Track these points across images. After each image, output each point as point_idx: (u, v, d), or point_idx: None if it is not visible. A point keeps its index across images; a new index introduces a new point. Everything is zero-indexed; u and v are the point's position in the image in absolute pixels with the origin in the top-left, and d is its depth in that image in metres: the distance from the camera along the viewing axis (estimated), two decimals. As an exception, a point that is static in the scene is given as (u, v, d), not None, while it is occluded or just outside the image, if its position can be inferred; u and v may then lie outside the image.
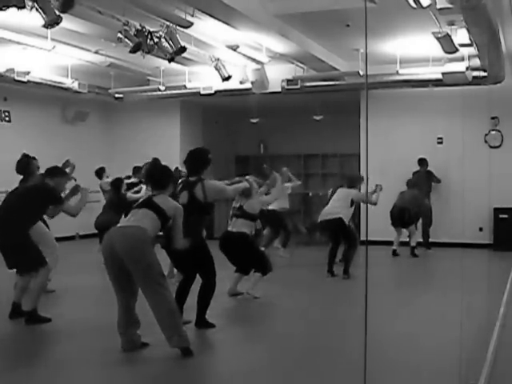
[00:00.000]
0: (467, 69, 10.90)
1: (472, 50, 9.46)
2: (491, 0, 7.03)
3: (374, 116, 12.34)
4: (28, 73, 11.32)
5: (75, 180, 8.19)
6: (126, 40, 8.65)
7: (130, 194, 9.60)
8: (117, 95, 13.73)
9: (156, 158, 9.24)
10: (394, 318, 6.42)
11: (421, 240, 11.94)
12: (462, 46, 9.10)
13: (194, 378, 4.59)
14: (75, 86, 12.31)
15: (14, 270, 6.28)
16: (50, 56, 10.49)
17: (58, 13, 7.25)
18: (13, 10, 6.74)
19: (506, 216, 12.14)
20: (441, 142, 12.86)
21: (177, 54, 9.17)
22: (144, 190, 8.99)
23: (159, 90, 13.16)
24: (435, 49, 9.57)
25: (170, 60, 9.51)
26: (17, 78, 11.16)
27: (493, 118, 12.35)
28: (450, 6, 6.90)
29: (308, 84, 12.30)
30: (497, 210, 12.21)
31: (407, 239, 11.41)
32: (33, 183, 6.68)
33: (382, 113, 12.50)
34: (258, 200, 7.34)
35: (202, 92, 12.84)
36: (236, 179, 6.79)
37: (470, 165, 11.98)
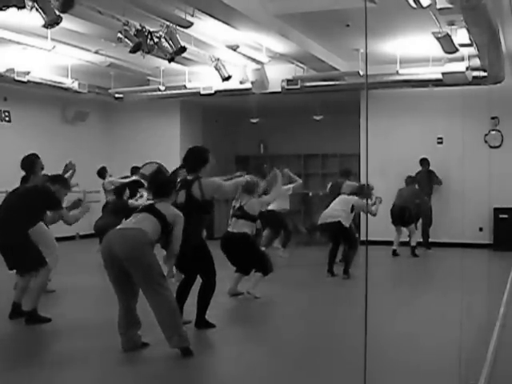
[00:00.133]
0: (467, 69, 10.91)
1: (472, 50, 9.46)
2: (491, 0, 7.03)
3: (374, 116, 12.35)
4: (28, 73, 11.33)
5: (77, 185, 8.24)
6: (126, 40, 8.65)
7: (131, 201, 9.64)
8: (117, 95, 13.73)
9: (160, 166, 9.27)
10: (393, 318, 6.42)
11: (421, 240, 11.94)
12: (462, 45, 9.10)
13: (194, 378, 4.59)
14: (75, 86, 12.31)
15: (14, 270, 6.28)
16: (50, 56, 10.50)
17: (58, 13, 7.26)
18: (13, 10, 6.74)
19: (506, 216, 12.14)
20: (441, 142, 12.86)
21: (177, 53, 9.17)
22: (145, 198, 9.01)
23: (159, 90, 13.16)
24: (435, 49, 9.57)
25: (170, 60, 9.52)
26: (17, 78, 11.16)
27: (493, 118, 12.35)
28: (449, 5, 6.90)
29: (308, 84, 12.30)
30: (497, 210, 12.22)
31: (407, 239, 11.41)
32: (33, 183, 6.68)
33: (382, 113, 12.50)
34: (258, 200, 7.34)
35: (202, 92, 12.84)
36: (237, 174, 6.62)
37: (470, 165, 11.98)
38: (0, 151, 12.19)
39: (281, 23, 9.29)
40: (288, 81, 12.30)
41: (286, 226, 10.86)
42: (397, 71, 11.48)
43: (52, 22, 7.37)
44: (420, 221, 12.05)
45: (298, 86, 12.26)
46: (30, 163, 7.02)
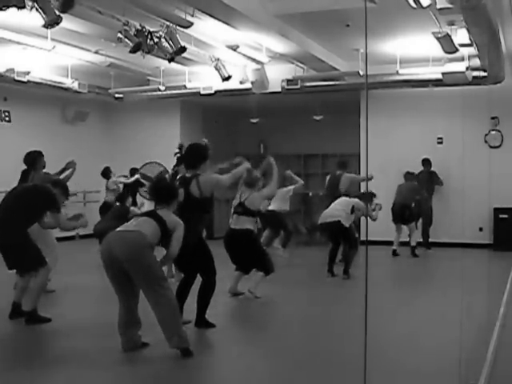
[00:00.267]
0: (467, 69, 10.91)
1: (472, 50, 9.46)
2: (491, 0, 7.03)
3: (374, 116, 12.35)
4: (28, 73, 11.33)
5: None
6: (126, 40, 8.65)
7: (133, 208, 9.69)
8: (117, 95, 13.73)
9: (163, 172, 9.31)
10: (393, 318, 6.42)
11: (421, 240, 11.95)
12: (462, 46, 9.10)
13: (194, 378, 4.59)
14: (75, 86, 12.32)
15: (14, 270, 6.28)
16: (50, 56, 10.50)
17: (58, 13, 7.26)
18: (13, 10, 6.74)
19: (506, 216, 12.14)
20: (441, 142, 12.86)
21: (177, 53, 9.17)
22: (146, 207, 9.04)
23: (159, 90, 13.16)
24: (435, 49, 9.57)
25: (170, 60, 9.52)
26: (17, 78, 11.17)
27: (493, 118, 12.35)
28: (449, 5, 6.90)
29: (308, 84, 12.31)
30: (497, 210, 12.22)
31: (407, 239, 11.41)
32: (33, 180, 6.68)
33: (382, 113, 12.50)
34: (259, 194, 7.24)
35: (202, 92, 12.84)
36: (236, 160, 6.37)
37: (470, 165, 11.98)
38: (0, 151, 12.18)
39: (281, 23, 9.28)
40: (288, 81, 12.30)
41: (285, 226, 10.86)
42: (397, 71, 11.49)
43: (52, 22, 7.37)
44: (420, 220, 12.06)
45: (298, 86, 12.26)
46: (33, 159, 7.04)
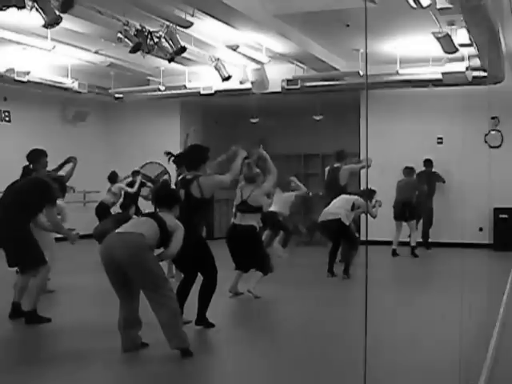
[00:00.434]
0: (467, 69, 10.91)
1: (472, 50, 9.47)
2: (491, 0, 7.03)
3: (374, 116, 12.35)
4: (28, 73, 11.33)
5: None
6: (126, 40, 8.66)
7: (135, 217, 9.72)
8: (117, 95, 13.74)
9: (162, 172, 9.32)
10: (393, 318, 6.42)
11: (420, 240, 11.95)
12: (462, 46, 9.11)
13: (194, 378, 4.59)
14: (75, 86, 12.33)
15: (14, 269, 6.27)
16: (50, 56, 10.51)
17: (58, 13, 7.26)
18: (13, 10, 6.75)
19: (506, 216, 12.15)
20: (441, 142, 12.87)
21: (177, 53, 9.18)
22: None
23: (159, 90, 13.17)
24: (435, 49, 9.58)
25: (170, 60, 9.53)
26: (17, 78, 11.18)
27: (493, 118, 12.35)
28: (449, 6, 6.91)
29: (308, 84, 12.31)
30: (497, 210, 12.22)
31: (407, 239, 11.42)
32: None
33: (381, 113, 12.50)
34: (260, 191, 7.22)
35: (202, 92, 12.85)
36: (232, 148, 6.38)
37: (470, 165, 11.97)
38: (0, 151, 12.18)
39: (281, 23, 9.29)
40: (288, 81, 12.30)
41: (285, 227, 10.85)
42: (397, 71, 11.49)
43: (52, 22, 7.38)
44: (421, 221, 12.07)
45: (298, 86, 12.26)
46: (37, 155, 7.03)
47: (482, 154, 12.19)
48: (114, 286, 4.87)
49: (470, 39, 8.59)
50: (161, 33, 8.86)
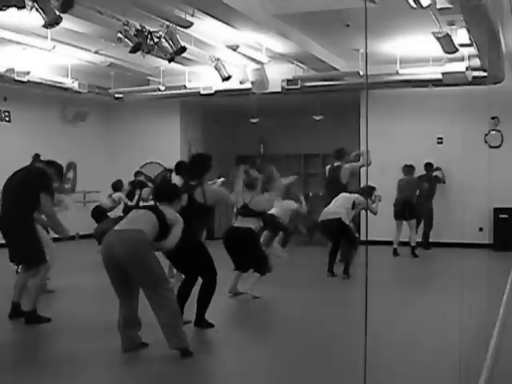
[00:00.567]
0: (467, 69, 10.91)
1: (472, 50, 9.47)
2: (491, 0, 7.03)
3: (374, 116, 12.34)
4: (28, 73, 11.33)
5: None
6: (126, 40, 8.66)
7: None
8: (117, 95, 13.74)
9: (166, 173, 9.31)
10: (394, 318, 6.42)
11: (420, 240, 11.95)
12: (462, 46, 9.11)
13: (194, 378, 4.59)
14: (75, 86, 12.33)
15: (14, 268, 6.27)
16: (50, 56, 10.51)
17: (58, 13, 7.26)
18: (13, 10, 6.75)
19: (506, 216, 12.15)
20: (441, 142, 12.87)
21: (177, 53, 9.18)
22: None
23: (159, 90, 13.17)
24: (435, 49, 9.57)
25: (170, 60, 9.53)
26: (17, 78, 11.18)
27: (493, 118, 12.35)
28: (449, 6, 6.91)
29: (308, 84, 12.31)
30: (497, 210, 12.22)
31: (407, 239, 11.42)
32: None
33: (381, 113, 12.50)
34: (263, 198, 7.22)
35: (202, 92, 12.85)
36: (221, 179, 6.98)
37: (470, 165, 11.97)
38: (0, 151, 12.19)
39: (281, 23, 9.29)
40: (288, 81, 12.30)
41: (284, 228, 10.83)
42: (397, 71, 11.49)
43: (52, 22, 7.38)
44: (421, 224, 12.09)
45: (298, 86, 12.26)
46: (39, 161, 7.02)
47: (482, 154, 12.18)
48: (114, 284, 4.87)
49: (470, 39, 8.58)
50: (161, 33, 8.86)
